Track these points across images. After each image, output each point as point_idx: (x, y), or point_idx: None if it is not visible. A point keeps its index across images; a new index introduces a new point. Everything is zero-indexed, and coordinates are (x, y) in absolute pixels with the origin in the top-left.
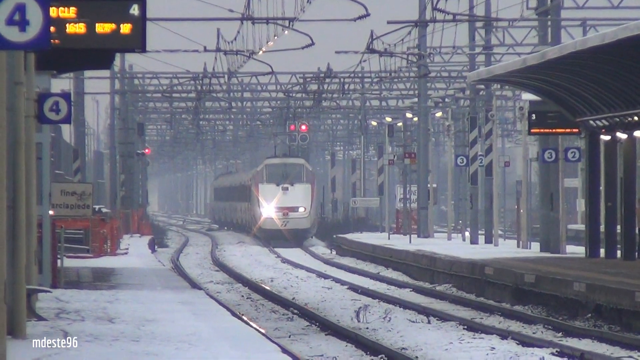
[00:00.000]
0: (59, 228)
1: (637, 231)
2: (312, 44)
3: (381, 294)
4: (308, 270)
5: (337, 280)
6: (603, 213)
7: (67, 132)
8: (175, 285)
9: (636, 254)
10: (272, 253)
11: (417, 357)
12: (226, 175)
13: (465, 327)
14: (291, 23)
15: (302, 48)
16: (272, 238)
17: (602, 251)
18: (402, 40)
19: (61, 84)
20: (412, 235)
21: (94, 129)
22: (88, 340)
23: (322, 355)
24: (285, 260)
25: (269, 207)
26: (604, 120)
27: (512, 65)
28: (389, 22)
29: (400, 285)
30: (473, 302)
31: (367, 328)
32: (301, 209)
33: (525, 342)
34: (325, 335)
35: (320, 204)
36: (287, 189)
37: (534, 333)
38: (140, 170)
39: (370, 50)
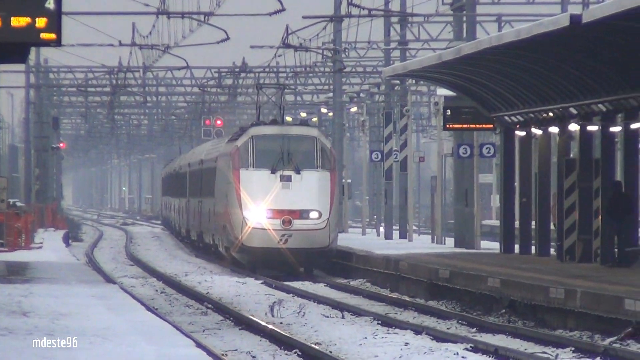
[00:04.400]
0: None
1: (552, 227)
2: (228, 38)
3: (295, 289)
4: (222, 266)
5: (251, 275)
6: (517, 209)
7: None
8: (90, 280)
9: (550, 249)
10: (187, 247)
11: (330, 352)
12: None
13: (380, 322)
14: (207, 18)
15: (218, 42)
16: (264, 263)
17: (516, 247)
18: (318, 35)
19: None
20: None
21: (8, 123)
22: (2, 334)
23: (236, 350)
24: (199, 255)
25: (258, 209)
26: (518, 116)
27: (427, 60)
28: (304, 17)
29: (314, 280)
30: (387, 298)
31: (281, 323)
32: (314, 214)
33: (440, 337)
34: (239, 329)
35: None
36: (289, 179)
37: (448, 328)
38: (54, 164)
39: (285, 45)
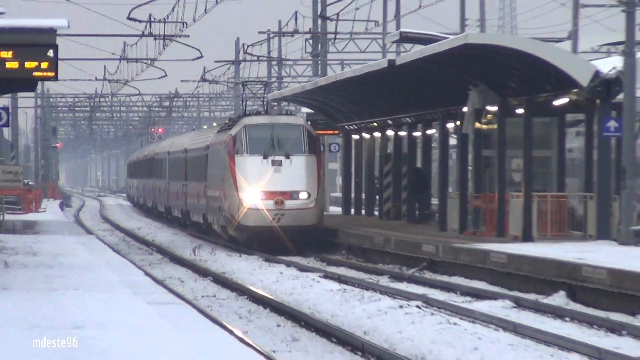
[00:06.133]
0: (1, 195)
1: (376, 197)
2: (165, 75)
3: (208, 239)
4: (163, 223)
5: (181, 230)
6: (353, 186)
7: (6, 133)
8: (76, 232)
9: (375, 212)
10: (143, 211)
11: (232, 277)
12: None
13: (264, 259)
14: (152, 61)
15: (159, 78)
16: (259, 241)
17: (352, 210)
18: (225, 72)
19: (2, 100)
20: None
21: (24, 130)
22: (19, 267)
23: (171, 277)
24: (148, 216)
25: (253, 191)
26: (354, 125)
27: (296, 89)
28: (215, 61)
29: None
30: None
31: (200, 259)
32: (303, 195)
33: (303, 269)
34: (173, 264)
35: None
36: (280, 163)
37: (308, 263)
38: (53, 157)
39: (203, 79)
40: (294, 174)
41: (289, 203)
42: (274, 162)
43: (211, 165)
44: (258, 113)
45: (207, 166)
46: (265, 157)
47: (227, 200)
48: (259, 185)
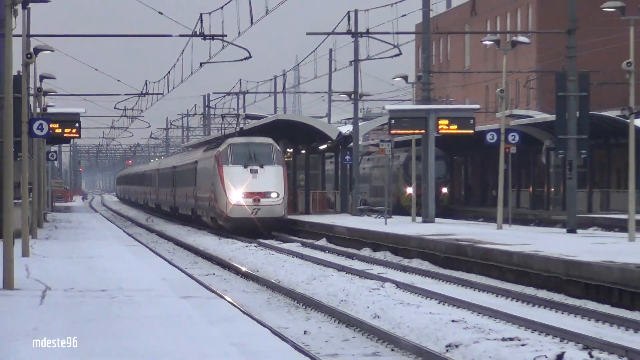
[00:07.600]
0: (54, 193)
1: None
2: (132, 135)
3: (155, 214)
4: (132, 207)
5: (140, 209)
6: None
7: (56, 164)
8: (89, 211)
9: None
10: (124, 203)
11: (165, 232)
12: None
13: (195, 227)
14: (126, 129)
15: (129, 137)
16: (242, 229)
17: None
18: (161, 134)
19: (53, 147)
20: None
21: (64, 162)
22: (62, 228)
23: (136, 232)
24: (127, 204)
25: (237, 192)
26: (292, 149)
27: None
28: (157, 128)
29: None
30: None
31: (149, 223)
32: (274, 195)
33: (199, 228)
34: (137, 226)
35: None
36: (256, 171)
37: (204, 225)
38: (79, 175)
39: (150, 137)
40: (266, 179)
41: (264, 200)
42: (252, 171)
43: (200, 174)
44: (234, 135)
45: (197, 175)
46: (245, 167)
47: (217, 199)
48: (241, 188)
